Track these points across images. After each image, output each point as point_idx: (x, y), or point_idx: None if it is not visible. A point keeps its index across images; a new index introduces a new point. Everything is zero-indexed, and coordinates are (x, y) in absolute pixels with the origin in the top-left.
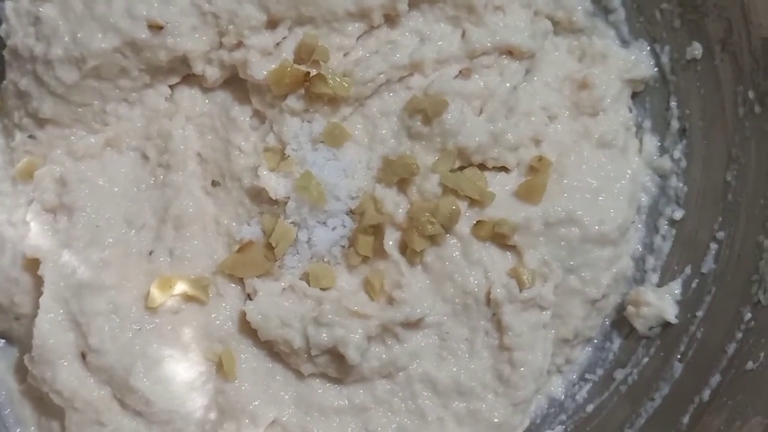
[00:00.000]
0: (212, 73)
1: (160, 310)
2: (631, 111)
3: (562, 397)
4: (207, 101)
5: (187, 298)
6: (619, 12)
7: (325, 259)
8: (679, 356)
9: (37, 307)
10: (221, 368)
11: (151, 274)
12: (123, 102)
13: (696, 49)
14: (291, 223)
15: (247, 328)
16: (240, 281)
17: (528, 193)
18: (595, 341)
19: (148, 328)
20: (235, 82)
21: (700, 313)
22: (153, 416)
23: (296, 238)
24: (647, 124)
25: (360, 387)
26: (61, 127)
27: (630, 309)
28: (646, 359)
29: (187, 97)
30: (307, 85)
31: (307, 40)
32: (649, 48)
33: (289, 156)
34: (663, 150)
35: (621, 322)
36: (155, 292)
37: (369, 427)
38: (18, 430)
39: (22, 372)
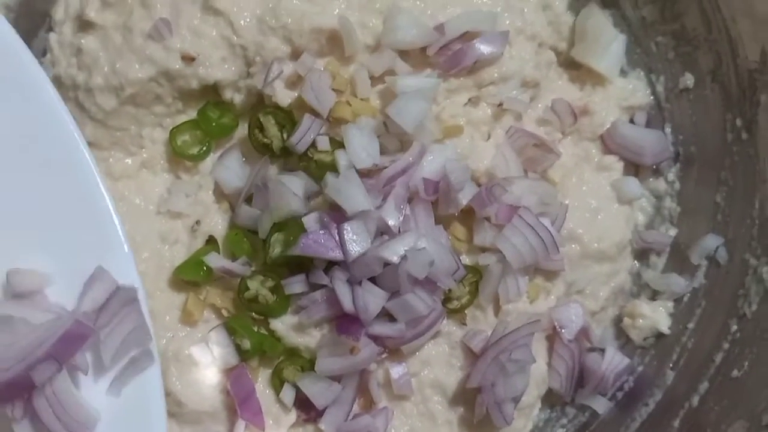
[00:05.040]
0: (240, 100)
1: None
2: None
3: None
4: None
5: (215, 309)
6: None
7: None
8: (671, 365)
9: None
10: None
11: (183, 285)
12: (158, 127)
13: (688, 79)
14: None
15: None
16: None
17: None
18: None
19: (181, 335)
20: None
21: (691, 325)
22: (184, 417)
23: None
24: None
25: None
26: (101, 150)
27: (626, 321)
28: (641, 367)
29: None
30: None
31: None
32: (645, 77)
33: None
34: (658, 173)
35: (618, 333)
36: (192, 311)
37: None
38: None
39: None
